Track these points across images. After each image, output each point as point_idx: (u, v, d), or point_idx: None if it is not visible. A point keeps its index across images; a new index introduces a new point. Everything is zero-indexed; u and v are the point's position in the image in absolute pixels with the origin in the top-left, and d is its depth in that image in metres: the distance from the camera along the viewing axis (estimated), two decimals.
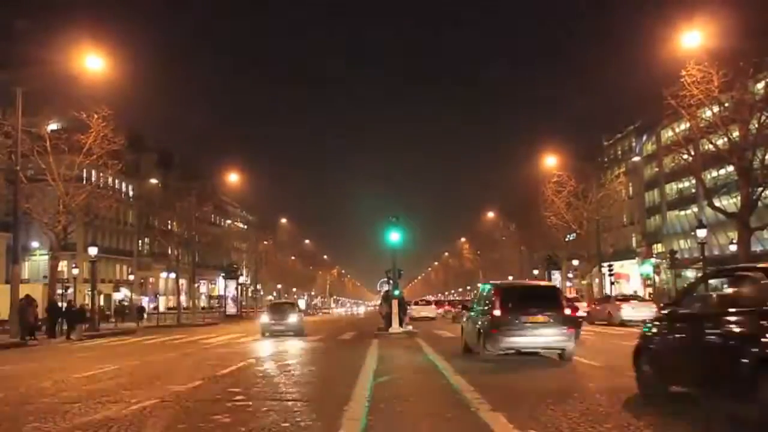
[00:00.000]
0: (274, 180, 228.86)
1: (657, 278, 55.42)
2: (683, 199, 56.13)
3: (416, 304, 45.70)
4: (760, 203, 26.04)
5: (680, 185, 56.85)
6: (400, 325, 25.16)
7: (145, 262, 71.45)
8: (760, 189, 25.53)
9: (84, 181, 37.18)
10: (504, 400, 7.90)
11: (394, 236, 26.24)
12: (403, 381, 10.68)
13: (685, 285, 20.41)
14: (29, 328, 24.83)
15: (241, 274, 77.19)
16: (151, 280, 73.34)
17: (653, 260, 58.54)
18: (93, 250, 36.46)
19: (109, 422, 7.03)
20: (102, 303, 51.77)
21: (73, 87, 27.67)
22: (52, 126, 31.42)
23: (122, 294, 64.17)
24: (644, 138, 64.19)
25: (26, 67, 25.92)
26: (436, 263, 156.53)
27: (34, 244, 53.90)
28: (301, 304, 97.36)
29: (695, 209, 49.04)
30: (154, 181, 60.50)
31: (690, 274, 51.27)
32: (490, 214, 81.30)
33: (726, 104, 25.97)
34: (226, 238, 79.34)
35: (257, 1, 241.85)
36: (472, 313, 14.54)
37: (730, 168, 30.22)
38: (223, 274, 69.82)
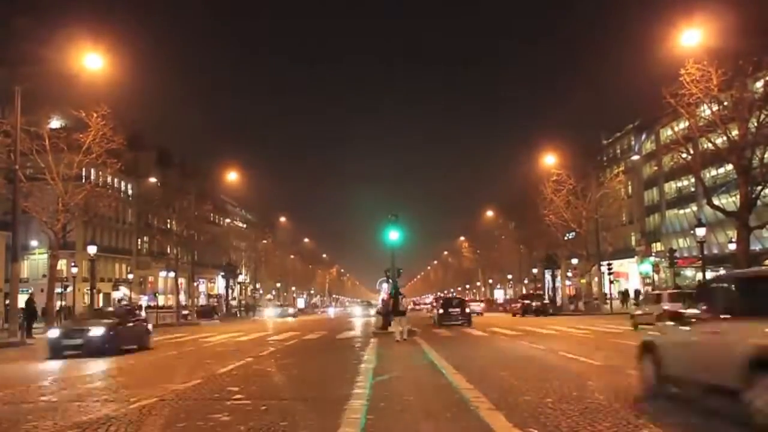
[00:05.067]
0: (274, 179, 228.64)
1: (656, 277, 55.46)
2: (682, 197, 56.12)
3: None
4: (759, 202, 26.00)
5: (679, 184, 56.83)
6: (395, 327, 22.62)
7: (144, 261, 71.36)
8: (759, 188, 25.51)
9: (83, 180, 37.13)
10: (503, 399, 7.90)
11: (393, 235, 26.17)
12: (402, 379, 10.68)
13: None
14: None
15: (240, 273, 77.15)
16: (150, 278, 73.29)
17: (652, 259, 58.56)
18: (92, 249, 36.47)
19: (108, 421, 7.03)
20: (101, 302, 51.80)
21: (72, 85, 27.62)
22: (52, 124, 31.37)
23: (121, 293, 64.13)
24: (643, 137, 64.16)
25: (25, 65, 25.85)
26: (435, 262, 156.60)
27: (34, 242, 53.90)
28: (300, 303, 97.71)
29: (694, 208, 49.02)
30: (153, 179, 60.44)
31: (689, 272, 51.33)
32: (489, 213, 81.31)
33: (725, 103, 25.95)
34: (225, 236, 79.29)
35: (257, 1, 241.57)
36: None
37: (730, 167, 30.20)
38: (222, 273, 69.85)
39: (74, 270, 45.75)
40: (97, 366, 13.58)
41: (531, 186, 49.96)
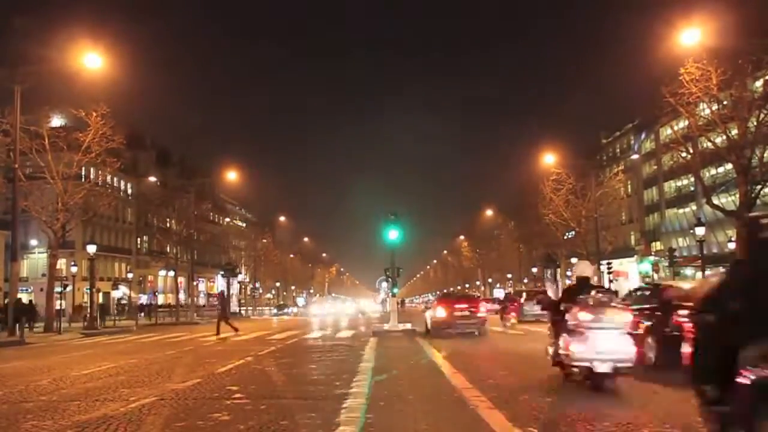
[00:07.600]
0: (273, 178, 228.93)
1: (656, 276, 55.46)
2: (682, 197, 56.15)
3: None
4: (758, 201, 26.00)
5: (679, 183, 56.87)
6: None
7: (144, 260, 71.40)
8: (759, 187, 25.50)
9: (83, 179, 37.13)
10: (503, 398, 7.90)
11: (393, 234, 26.06)
12: (402, 378, 10.67)
13: None
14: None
15: (240, 272, 77.20)
16: (149, 278, 73.29)
17: (652, 258, 58.58)
18: (92, 248, 36.43)
19: (107, 420, 7.03)
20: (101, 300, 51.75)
21: (71, 85, 27.64)
22: (51, 123, 31.41)
23: (121, 292, 64.13)
24: (643, 136, 64.19)
25: (25, 64, 25.84)
26: (435, 261, 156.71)
27: (33, 242, 53.92)
28: (300, 301, 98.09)
29: (694, 207, 49.09)
30: (152, 179, 60.46)
31: (689, 272, 51.33)
32: (489, 212, 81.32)
33: (725, 102, 25.93)
34: (224, 236, 79.39)
35: (256, 0, 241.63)
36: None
37: (729, 166, 30.17)
38: (222, 272, 69.85)
39: (74, 269, 45.75)
40: (96, 365, 13.58)
41: (530, 185, 50.02)
